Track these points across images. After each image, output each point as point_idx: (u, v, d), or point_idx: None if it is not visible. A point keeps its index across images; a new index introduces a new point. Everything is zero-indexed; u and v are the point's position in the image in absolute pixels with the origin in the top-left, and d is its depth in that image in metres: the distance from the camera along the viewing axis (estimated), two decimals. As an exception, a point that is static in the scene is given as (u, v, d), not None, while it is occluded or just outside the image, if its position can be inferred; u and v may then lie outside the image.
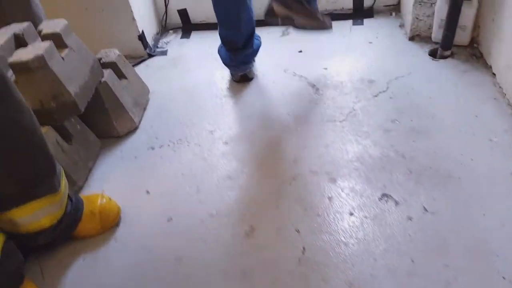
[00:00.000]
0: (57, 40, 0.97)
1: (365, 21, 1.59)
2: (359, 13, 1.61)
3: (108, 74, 1.13)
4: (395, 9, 1.61)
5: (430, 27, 1.40)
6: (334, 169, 1.00)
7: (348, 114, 1.18)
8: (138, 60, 1.58)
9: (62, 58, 0.95)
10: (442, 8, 1.30)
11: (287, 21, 1.29)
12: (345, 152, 1.05)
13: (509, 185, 0.89)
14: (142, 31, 1.56)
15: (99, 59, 1.18)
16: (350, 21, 1.59)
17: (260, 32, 1.36)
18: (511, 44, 1.08)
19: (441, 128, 1.07)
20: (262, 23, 1.31)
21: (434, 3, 1.33)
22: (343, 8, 1.62)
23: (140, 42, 1.56)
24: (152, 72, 1.52)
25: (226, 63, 1.35)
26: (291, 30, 1.62)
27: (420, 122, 1.10)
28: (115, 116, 1.15)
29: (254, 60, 1.39)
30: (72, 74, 0.96)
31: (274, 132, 1.16)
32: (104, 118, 1.14)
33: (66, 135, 1.01)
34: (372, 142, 1.07)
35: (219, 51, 1.35)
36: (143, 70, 1.53)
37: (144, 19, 1.60)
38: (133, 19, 1.49)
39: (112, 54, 1.19)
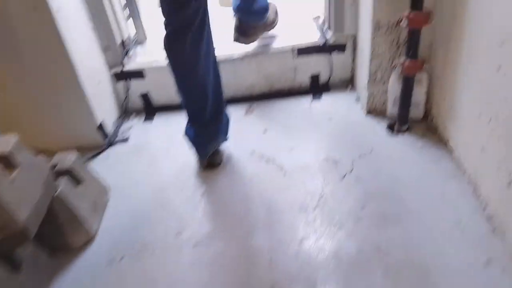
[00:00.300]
0: (7, 161, 0.90)
1: (323, 96, 1.64)
2: (316, 89, 1.67)
3: (63, 184, 1.05)
4: (350, 82, 1.68)
5: (385, 102, 1.46)
6: (312, 272, 0.96)
7: (318, 200, 1.17)
8: (97, 151, 1.51)
9: (12, 181, 0.87)
10: (394, 86, 1.37)
11: (250, 42, 1.60)
12: (321, 249, 1.02)
13: (484, 279, 0.88)
14: (101, 122, 1.51)
15: (54, 166, 1.10)
16: (308, 98, 1.64)
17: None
18: (467, 124, 1.12)
19: (410, 212, 1.08)
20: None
21: (387, 81, 1.41)
22: (301, 86, 1.67)
23: (99, 132, 1.50)
24: (113, 163, 1.45)
25: (193, 141, 1.28)
26: (254, 107, 1.64)
27: (389, 207, 1.11)
28: (70, 229, 1.06)
29: (225, 138, 1.35)
30: (22, 197, 0.88)
31: (246, 228, 1.12)
32: (57, 233, 1.05)
33: (14, 263, 0.91)
34: (346, 234, 1.05)
35: (186, 132, 1.30)
36: (102, 162, 1.46)
37: (104, 107, 1.55)
38: (91, 113, 1.44)
39: (68, 159, 1.12)
